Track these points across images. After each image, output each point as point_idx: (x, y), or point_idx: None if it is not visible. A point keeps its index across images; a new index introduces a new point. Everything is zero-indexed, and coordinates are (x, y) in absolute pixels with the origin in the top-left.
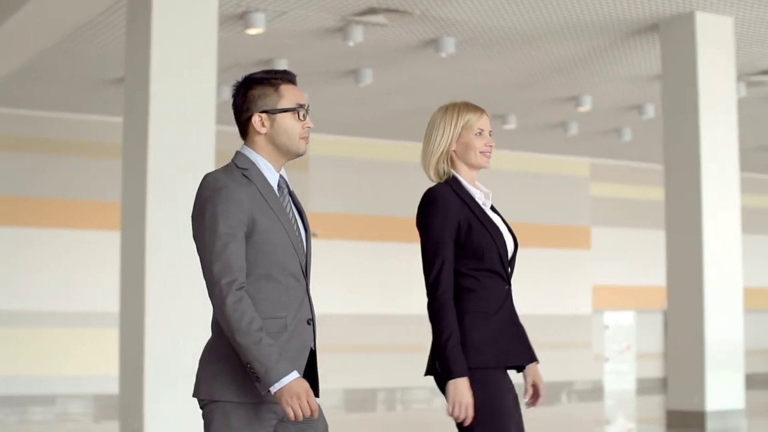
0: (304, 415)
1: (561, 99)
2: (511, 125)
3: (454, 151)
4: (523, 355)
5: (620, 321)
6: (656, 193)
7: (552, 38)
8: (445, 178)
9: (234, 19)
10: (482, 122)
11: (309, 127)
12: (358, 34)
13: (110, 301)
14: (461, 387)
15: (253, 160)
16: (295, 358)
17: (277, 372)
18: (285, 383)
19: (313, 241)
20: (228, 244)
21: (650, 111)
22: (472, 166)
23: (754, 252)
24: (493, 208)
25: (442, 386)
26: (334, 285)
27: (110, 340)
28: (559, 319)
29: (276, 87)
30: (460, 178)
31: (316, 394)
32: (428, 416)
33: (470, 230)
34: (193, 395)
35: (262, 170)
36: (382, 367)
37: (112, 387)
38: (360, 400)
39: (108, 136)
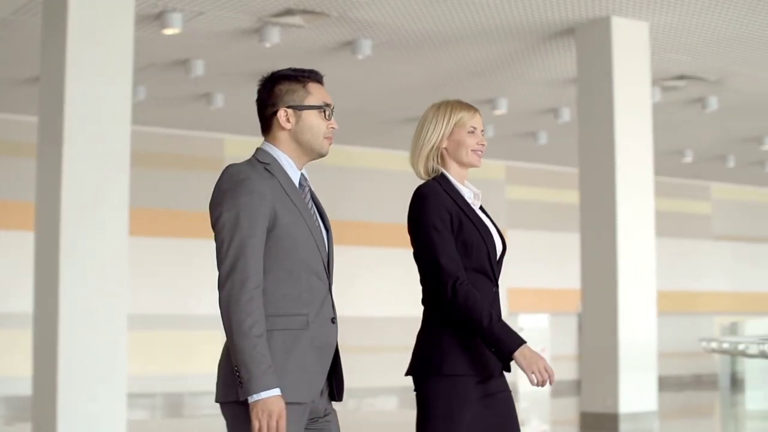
0: None
1: (477, 102)
2: None
3: (445, 148)
4: (498, 365)
5: (535, 323)
6: (571, 196)
7: (468, 41)
8: (433, 175)
9: (150, 19)
10: (475, 120)
11: (333, 128)
12: (274, 36)
13: (24, 302)
14: (527, 354)
15: (275, 156)
16: (320, 357)
17: (260, 382)
18: (263, 397)
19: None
20: (247, 240)
21: (566, 114)
22: (462, 164)
23: (668, 255)
24: (482, 209)
25: (420, 386)
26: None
27: (23, 341)
28: None
29: (304, 84)
30: (449, 176)
31: (340, 396)
32: (343, 418)
33: (460, 228)
34: (218, 400)
35: (284, 166)
36: None
37: (24, 388)
38: None
39: (23, 136)
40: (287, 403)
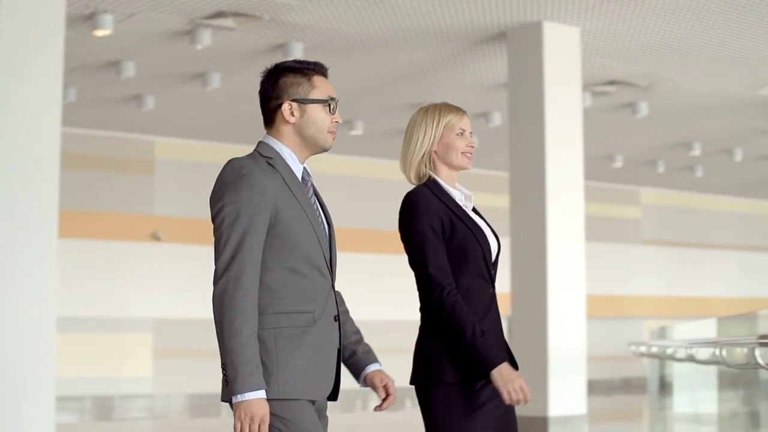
0: None
1: (408, 105)
2: (358, 131)
3: (435, 152)
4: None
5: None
6: (501, 201)
7: (400, 45)
8: (424, 180)
9: (81, 20)
10: (463, 122)
11: (337, 122)
12: (206, 38)
13: None
14: (504, 372)
15: (278, 149)
16: (326, 355)
17: (246, 383)
18: (248, 398)
19: (156, 246)
20: (246, 235)
21: (497, 119)
22: (452, 167)
23: (597, 259)
24: (475, 210)
25: (421, 396)
26: (177, 289)
27: None
28: (405, 325)
29: (309, 77)
30: (440, 181)
31: (336, 396)
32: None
33: (453, 232)
34: (224, 400)
35: (286, 160)
36: None
37: None
38: (204, 405)
39: None
40: (297, 400)
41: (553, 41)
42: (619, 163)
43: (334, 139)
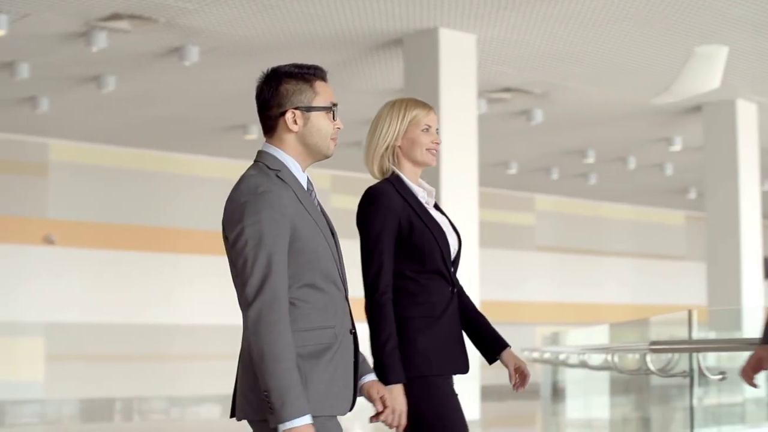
0: None
1: None
2: (253, 135)
3: (399, 146)
4: (466, 362)
5: (359, 331)
6: None
7: (296, 50)
8: (387, 175)
9: None
10: (430, 118)
11: (339, 128)
12: (101, 40)
13: None
14: (396, 393)
15: (282, 160)
16: (346, 371)
17: (293, 409)
18: (296, 425)
19: (50, 249)
20: (273, 257)
21: None
22: (417, 163)
23: (492, 265)
24: (437, 207)
25: (405, 391)
26: (70, 293)
27: None
28: None
29: (311, 83)
30: (403, 176)
31: (352, 407)
32: (166, 426)
33: (412, 230)
34: (243, 418)
35: (293, 171)
36: (119, 376)
37: None
38: (97, 410)
39: None
40: (328, 417)
41: (449, 48)
42: (513, 170)
43: (335, 145)
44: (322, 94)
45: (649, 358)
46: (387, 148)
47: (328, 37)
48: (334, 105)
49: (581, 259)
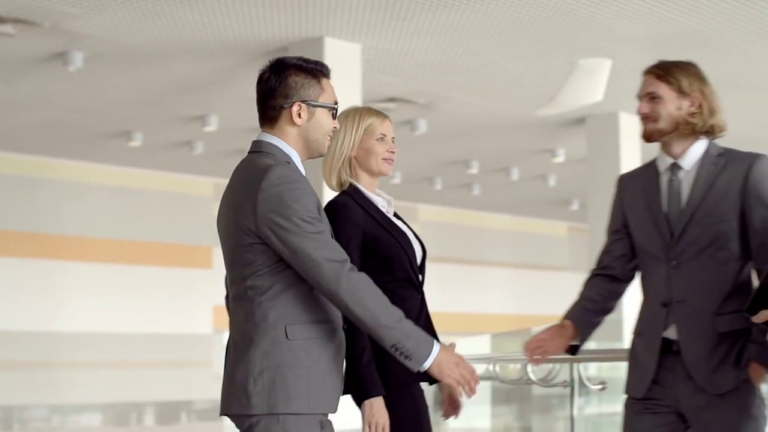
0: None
1: (189, 118)
2: (137, 142)
3: (354, 157)
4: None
5: None
6: None
7: (181, 57)
8: (345, 187)
9: None
10: (384, 127)
11: (336, 128)
12: None
13: None
14: (377, 407)
15: (287, 152)
16: (341, 366)
17: (428, 343)
18: (433, 357)
19: None
20: (325, 231)
21: None
22: (373, 173)
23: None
24: (396, 215)
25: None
26: None
27: None
28: (179, 338)
29: (318, 79)
30: (361, 187)
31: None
32: None
33: (377, 241)
34: (234, 412)
35: (297, 164)
36: (1, 384)
37: None
38: None
39: None
40: (321, 414)
41: (334, 57)
42: (397, 180)
43: (328, 145)
44: (327, 91)
45: (530, 368)
46: (344, 159)
47: (213, 44)
48: (337, 104)
49: (464, 270)
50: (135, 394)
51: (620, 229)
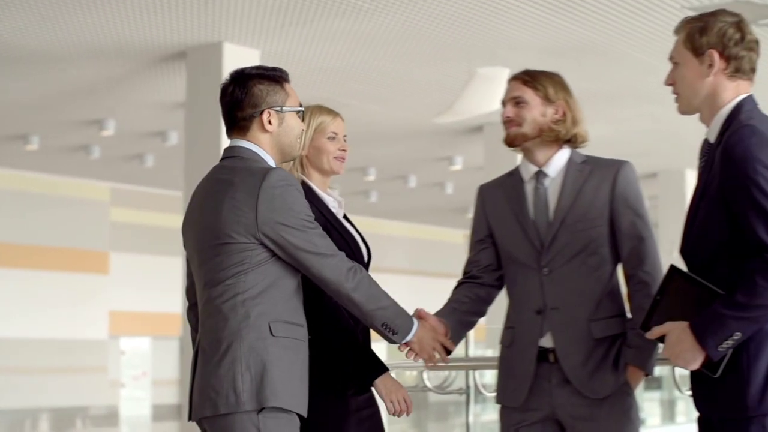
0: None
1: (86, 122)
2: (33, 146)
3: (306, 156)
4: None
5: (136, 347)
6: (176, 220)
7: (79, 60)
8: None
9: None
10: (336, 125)
11: (303, 129)
12: None
13: None
14: (390, 382)
15: (265, 158)
16: (307, 376)
17: (410, 321)
18: (416, 330)
19: None
20: (320, 229)
21: (174, 138)
22: (324, 171)
23: None
24: (346, 217)
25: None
26: None
27: None
28: (74, 344)
29: (282, 84)
30: (313, 186)
31: None
32: None
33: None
34: (215, 413)
35: None
36: None
37: None
38: None
39: None
40: (291, 412)
41: (233, 62)
42: None
43: (303, 148)
44: (292, 95)
45: (425, 375)
46: (295, 157)
47: (111, 48)
48: (302, 106)
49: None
50: (29, 400)
51: (484, 239)
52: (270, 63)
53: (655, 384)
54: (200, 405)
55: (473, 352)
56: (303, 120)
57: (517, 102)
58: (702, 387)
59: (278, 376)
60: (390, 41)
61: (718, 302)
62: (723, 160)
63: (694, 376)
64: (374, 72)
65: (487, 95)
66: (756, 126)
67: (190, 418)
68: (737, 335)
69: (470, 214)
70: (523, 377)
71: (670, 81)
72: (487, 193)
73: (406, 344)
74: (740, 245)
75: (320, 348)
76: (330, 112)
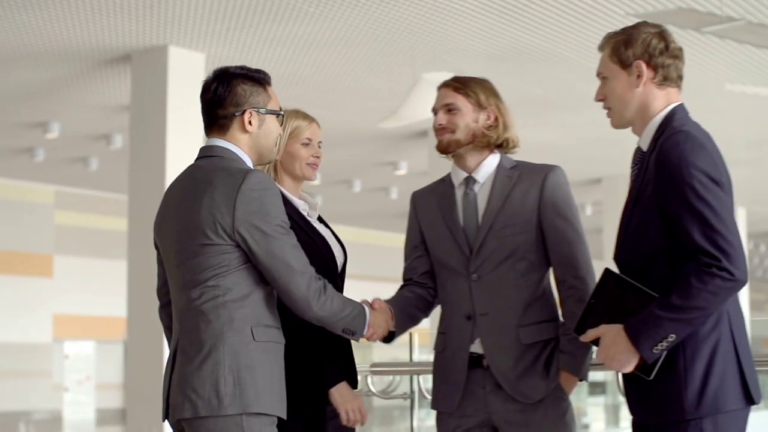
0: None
1: (30, 124)
2: None
3: (279, 160)
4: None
5: (80, 350)
6: (120, 224)
7: (22, 63)
8: None
9: None
10: (311, 131)
11: (281, 134)
12: None
13: None
14: (344, 392)
15: (243, 158)
16: (283, 375)
17: (362, 315)
18: (369, 319)
19: None
20: (294, 237)
21: (118, 141)
22: (296, 177)
23: None
24: (321, 220)
25: None
26: None
27: None
28: (18, 348)
29: (264, 87)
30: (283, 190)
31: None
32: None
33: None
34: (196, 415)
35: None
36: None
37: None
38: None
39: None
40: (272, 416)
41: (178, 65)
42: None
43: (278, 153)
44: (273, 98)
45: (370, 379)
46: (269, 162)
47: (56, 51)
48: (282, 110)
49: None
50: None
51: (418, 245)
52: (215, 67)
53: (599, 389)
54: (179, 406)
55: (417, 356)
56: (281, 124)
57: (450, 109)
58: (637, 391)
59: (261, 381)
60: (335, 46)
61: (654, 304)
62: (658, 165)
63: (629, 380)
64: (320, 77)
65: (432, 100)
66: (690, 131)
67: (165, 418)
68: (672, 337)
69: None
70: (456, 383)
71: (600, 96)
72: (419, 200)
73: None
74: (675, 249)
75: (292, 354)
76: (306, 117)
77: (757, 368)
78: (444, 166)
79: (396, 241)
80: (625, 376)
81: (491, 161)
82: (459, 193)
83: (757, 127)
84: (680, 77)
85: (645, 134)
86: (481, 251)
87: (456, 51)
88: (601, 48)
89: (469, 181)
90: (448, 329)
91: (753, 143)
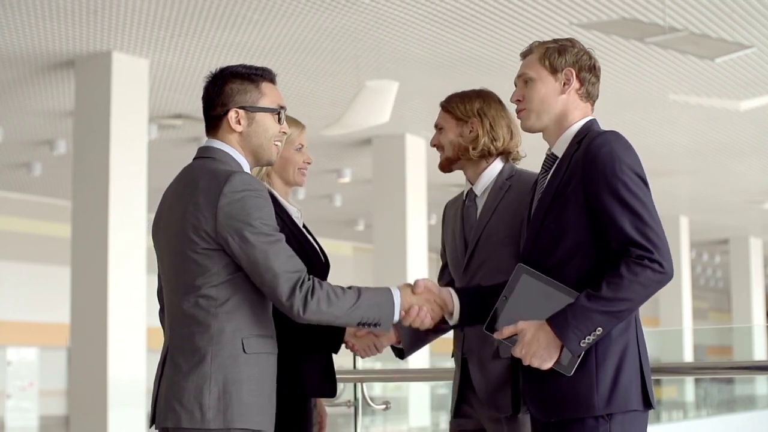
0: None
1: None
2: None
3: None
4: (332, 386)
5: (23, 357)
6: (64, 230)
7: None
8: None
9: None
10: (303, 137)
11: (284, 133)
12: None
13: None
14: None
15: (237, 159)
16: (275, 390)
17: (389, 302)
18: (400, 303)
19: None
20: (282, 240)
21: (62, 147)
22: (288, 182)
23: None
24: (305, 227)
25: None
26: None
27: None
28: None
29: (257, 84)
30: (276, 195)
31: None
32: None
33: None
34: (179, 425)
35: (245, 169)
36: None
37: None
38: None
39: None
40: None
41: (122, 72)
42: None
43: (278, 151)
44: (268, 95)
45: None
46: (261, 168)
47: None
48: (282, 108)
49: None
50: None
51: (443, 254)
52: (159, 73)
53: None
54: (164, 414)
55: (361, 364)
56: (280, 122)
57: (439, 128)
58: (541, 390)
59: (247, 397)
60: (279, 53)
61: (581, 297)
62: (586, 162)
63: (530, 380)
64: None
65: (376, 108)
66: (617, 133)
67: (152, 424)
68: (599, 330)
69: (359, 227)
70: (455, 387)
71: (518, 97)
72: (446, 210)
73: (407, 315)
74: (598, 245)
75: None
76: (297, 123)
77: (700, 377)
78: (388, 174)
79: (340, 248)
80: (524, 375)
81: (490, 172)
82: (464, 206)
83: (700, 137)
84: (596, 98)
85: (559, 142)
86: (470, 264)
87: (399, 59)
88: (527, 52)
89: (471, 193)
90: (454, 336)
91: (696, 153)
